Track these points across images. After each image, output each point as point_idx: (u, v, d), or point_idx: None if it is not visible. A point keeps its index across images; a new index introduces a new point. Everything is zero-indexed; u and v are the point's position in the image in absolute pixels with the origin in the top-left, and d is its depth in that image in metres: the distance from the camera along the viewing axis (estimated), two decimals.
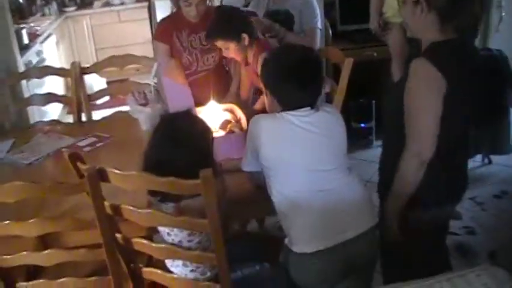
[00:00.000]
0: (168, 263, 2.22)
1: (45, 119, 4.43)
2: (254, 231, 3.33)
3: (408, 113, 2.07)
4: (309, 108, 2.11)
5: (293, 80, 2.10)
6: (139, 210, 1.95)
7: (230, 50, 2.83)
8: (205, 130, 2.16)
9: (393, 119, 2.19)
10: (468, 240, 3.47)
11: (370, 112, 4.66)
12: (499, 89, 3.98)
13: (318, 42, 3.57)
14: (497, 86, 3.97)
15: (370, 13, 3.53)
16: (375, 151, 4.48)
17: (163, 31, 3.28)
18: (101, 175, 1.93)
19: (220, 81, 3.31)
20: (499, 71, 3.95)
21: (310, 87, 2.14)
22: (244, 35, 2.78)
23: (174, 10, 3.31)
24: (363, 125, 4.71)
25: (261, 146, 2.10)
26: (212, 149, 2.12)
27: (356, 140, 4.66)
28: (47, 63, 5.32)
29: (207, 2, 3.19)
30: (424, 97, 2.02)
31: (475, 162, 4.32)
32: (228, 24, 2.80)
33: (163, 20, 3.42)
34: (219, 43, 2.84)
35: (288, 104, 2.13)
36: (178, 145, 2.02)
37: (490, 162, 4.39)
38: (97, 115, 3.67)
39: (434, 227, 2.28)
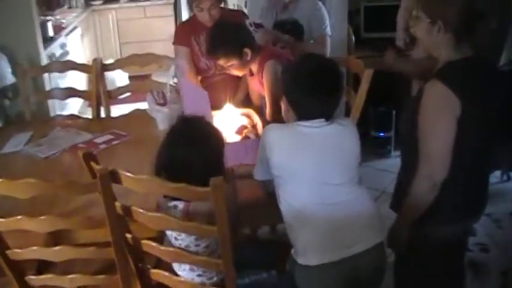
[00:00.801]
0: (176, 266, 2.23)
1: (66, 111, 4.51)
2: (265, 236, 3.32)
3: (422, 134, 2.06)
4: (323, 119, 2.10)
5: (310, 90, 2.09)
6: (148, 214, 1.96)
7: (233, 66, 2.83)
8: (218, 135, 2.17)
9: (408, 134, 2.17)
10: (481, 258, 3.43)
11: (390, 121, 4.61)
12: None
13: (329, 49, 3.56)
14: None
15: (397, 30, 3.50)
16: (393, 161, 4.46)
17: (182, 35, 3.29)
18: (113, 176, 1.94)
19: (238, 85, 3.31)
20: None
21: (327, 98, 2.12)
22: (247, 50, 2.77)
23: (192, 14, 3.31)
24: (381, 133, 4.67)
25: (271, 156, 2.10)
26: (223, 153, 2.12)
27: (374, 148, 4.65)
28: (70, 55, 5.38)
29: (221, 5, 3.18)
30: (438, 119, 2.02)
31: (493, 178, 4.25)
32: (226, 42, 2.78)
33: (182, 24, 3.44)
34: (221, 61, 2.83)
35: (303, 114, 2.12)
36: (193, 145, 2.03)
37: (509, 179, 4.33)
38: (116, 110, 3.69)
39: (449, 246, 2.26)
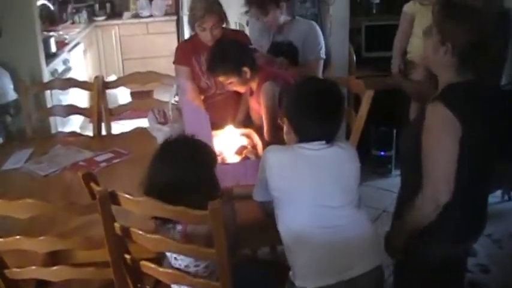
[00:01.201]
0: (174, 287, 2.22)
1: (68, 126, 4.53)
2: (265, 256, 3.31)
3: (425, 155, 2.06)
4: (324, 142, 2.10)
5: (312, 113, 2.10)
6: (147, 235, 1.96)
7: (233, 83, 2.86)
8: (206, 149, 2.16)
9: (409, 154, 2.19)
10: (482, 279, 3.41)
11: (391, 140, 4.62)
12: None
13: (320, 72, 3.56)
14: None
15: (392, 56, 3.50)
16: (393, 180, 4.45)
17: (183, 54, 3.30)
18: (113, 198, 1.94)
19: (238, 105, 3.32)
20: None
21: (328, 121, 2.12)
22: (245, 69, 2.80)
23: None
24: (382, 152, 4.67)
25: (271, 177, 2.10)
26: (214, 166, 2.13)
27: (375, 167, 4.65)
28: (72, 71, 5.41)
29: (223, 25, 3.19)
30: (440, 141, 2.02)
31: (494, 198, 4.24)
32: (226, 60, 2.81)
33: (182, 43, 3.45)
34: (221, 78, 2.87)
35: (304, 136, 2.12)
36: (180, 164, 2.04)
37: (510, 199, 4.32)
38: (118, 125, 3.69)
39: (449, 266, 2.26)
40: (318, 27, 3.59)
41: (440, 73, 2.12)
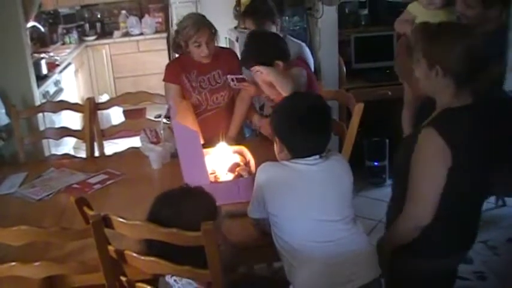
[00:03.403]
0: None
1: (61, 146, 4.53)
2: (261, 273, 3.30)
3: (412, 178, 2.07)
4: (317, 156, 2.12)
5: (302, 129, 2.12)
6: (142, 258, 1.96)
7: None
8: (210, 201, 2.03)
9: (399, 173, 2.21)
10: (479, 286, 3.42)
11: (384, 151, 4.63)
12: None
13: None
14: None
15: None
16: (388, 190, 4.36)
17: (172, 72, 3.30)
18: (106, 222, 1.94)
19: (230, 120, 3.33)
20: None
21: (318, 135, 2.15)
22: (279, 62, 2.79)
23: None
24: (376, 163, 4.68)
25: (267, 195, 2.11)
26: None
27: (369, 178, 4.66)
28: (64, 92, 5.43)
29: (215, 40, 3.20)
30: (429, 168, 2.03)
31: (488, 204, 4.25)
32: (262, 50, 2.80)
33: (172, 62, 3.45)
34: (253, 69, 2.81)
35: (297, 152, 2.14)
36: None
37: (504, 204, 4.32)
38: (111, 144, 3.69)
39: (439, 279, 2.26)
40: (307, 49, 3.59)
41: (439, 97, 2.09)
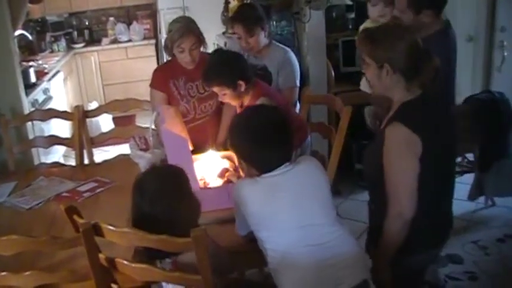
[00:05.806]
0: None
1: (51, 154, 4.51)
2: (253, 278, 3.30)
3: (387, 177, 2.13)
4: (287, 163, 2.12)
5: (261, 146, 2.11)
6: (133, 265, 1.96)
7: (226, 95, 2.84)
8: (175, 184, 2.09)
9: (369, 171, 2.31)
10: (470, 286, 3.43)
11: None
12: (501, 132, 3.99)
13: (295, 99, 3.54)
14: (499, 129, 3.98)
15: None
16: None
17: (160, 78, 3.30)
18: (96, 230, 1.95)
19: (218, 128, 3.32)
20: (501, 113, 3.97)
21: (279, 147, 2.14)
22: (241, 82, 2.79)
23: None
24: None
25: (248, 211, 2.10)
26: (188, 198, 2.09)
27: (358, 181, 4.66)
28: (53, 100, 5.41)
29: (201, 47, 3.20)
30: (401, 161, 2.10)
31: (478, 204, 4.29)
32: (224, 71, 2.79)
33: (160, 67, 3.44)
34: (215, 88, 2.85)
35: (264, 168, 2.13)
36: (144, 203, 2.02)
37: (493, 204, 4.35)
38: (100, 151, 3.68)
39: (410, 274, 2.32)
40: (292, 55, 3.56)
41: (392, 93, 2.20)
